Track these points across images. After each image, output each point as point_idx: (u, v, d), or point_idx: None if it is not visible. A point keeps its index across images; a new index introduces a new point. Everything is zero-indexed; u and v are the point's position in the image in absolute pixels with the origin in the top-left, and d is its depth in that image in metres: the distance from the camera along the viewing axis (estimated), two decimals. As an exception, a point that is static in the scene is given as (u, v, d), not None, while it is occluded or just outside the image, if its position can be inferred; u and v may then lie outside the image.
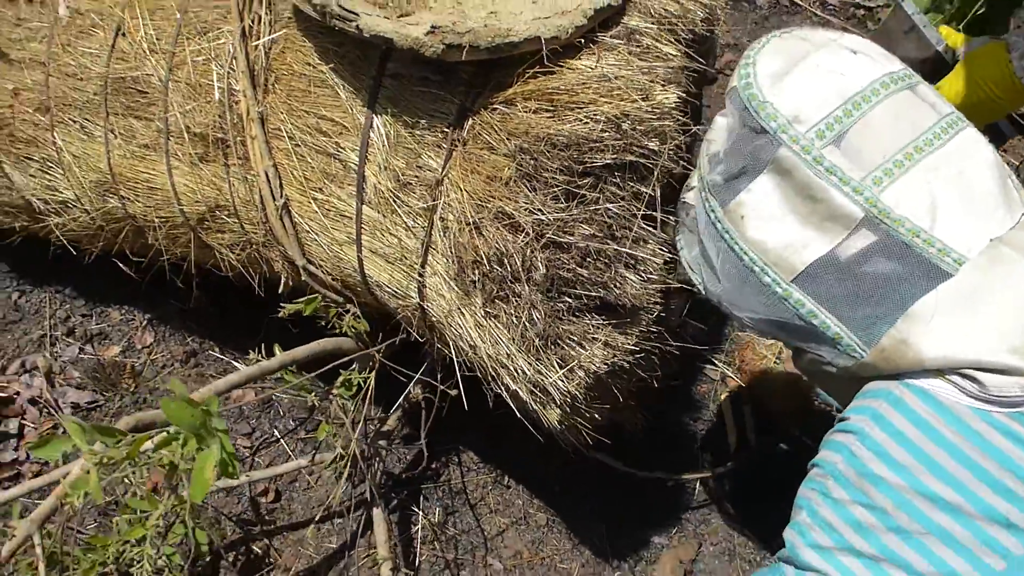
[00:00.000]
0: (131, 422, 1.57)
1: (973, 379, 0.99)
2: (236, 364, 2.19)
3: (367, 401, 1.71)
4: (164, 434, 1.37)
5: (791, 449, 2.14)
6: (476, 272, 1.40)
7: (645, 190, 1.33)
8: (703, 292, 1.30)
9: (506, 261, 1.36)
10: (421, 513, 2.03)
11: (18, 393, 2.12)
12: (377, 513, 1.86)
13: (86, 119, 1.74)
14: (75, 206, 1.88)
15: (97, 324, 2.28)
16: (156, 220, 1.79)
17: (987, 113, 1.86)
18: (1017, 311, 1.00)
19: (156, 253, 1.88)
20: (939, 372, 1.02)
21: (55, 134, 1.77)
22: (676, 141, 1.33)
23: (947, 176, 1.06)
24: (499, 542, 2.01)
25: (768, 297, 1.15)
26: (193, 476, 1.22)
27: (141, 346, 2.25)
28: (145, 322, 2.28)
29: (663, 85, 1.32)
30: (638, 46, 1.34)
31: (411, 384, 1.80)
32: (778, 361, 2.22)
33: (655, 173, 1.32)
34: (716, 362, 2.36)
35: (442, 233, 1.44)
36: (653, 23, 1.37)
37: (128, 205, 1.79)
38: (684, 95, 1.37)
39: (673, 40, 1.39)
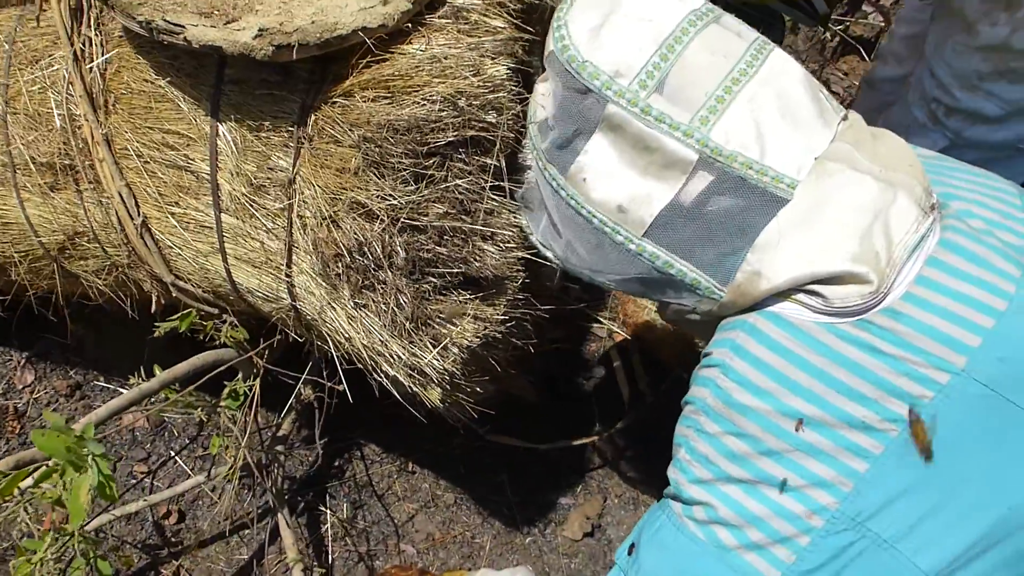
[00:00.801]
0: (11, 462, 1.55)
1: (817, 294, 1.04)
2: (123, 391, 2.15)
3: (255, 408, 1.72)
4: (44, 468, 1.36)
5: (682, 393, 2.20)
6: (339, 265, 1.41)
7: (490, 162, 1.37)
8: (561, 266, 1.34)
9: (366, 250, 1.38)
10: (329, 511, 2.04)
11: None
12: (282, 518, 1.87)
13: (-79, 163, 1.68)
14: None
15: (-28, 369, 2.22)
16: (15, 255, 1.75)
17: None
18: (849, 220, 1.05)
19: (20, 289, 1.84)
20: (786, 294, 1.07)
21: None
22: (513, 111, 1.36)
23: (766, 101, 1.09)
24: (410, 527, 2.04)
25: (623, 255, 1.18)
26: (69, 502, 1.21)
27: (22, 386, 2.19)
28: (23, 360, 2.22)
29: (493, 58, 1.35)
30: (466, 23, 1.37)
31: (299, 384, 1.80)
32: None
33: (497, 144, 1.36)
34: (601, 319, 2.42)
35: (302, 231, 1.45)
36: (480, -1, 1.40)
37: (-18, 244, 1.75)
38: (516, 65, 1.41)
39: (502, 13, 1.42)
